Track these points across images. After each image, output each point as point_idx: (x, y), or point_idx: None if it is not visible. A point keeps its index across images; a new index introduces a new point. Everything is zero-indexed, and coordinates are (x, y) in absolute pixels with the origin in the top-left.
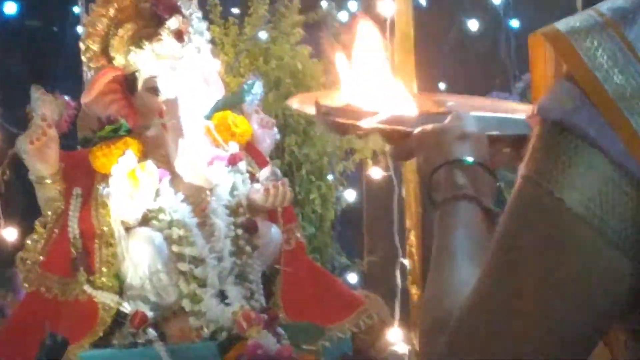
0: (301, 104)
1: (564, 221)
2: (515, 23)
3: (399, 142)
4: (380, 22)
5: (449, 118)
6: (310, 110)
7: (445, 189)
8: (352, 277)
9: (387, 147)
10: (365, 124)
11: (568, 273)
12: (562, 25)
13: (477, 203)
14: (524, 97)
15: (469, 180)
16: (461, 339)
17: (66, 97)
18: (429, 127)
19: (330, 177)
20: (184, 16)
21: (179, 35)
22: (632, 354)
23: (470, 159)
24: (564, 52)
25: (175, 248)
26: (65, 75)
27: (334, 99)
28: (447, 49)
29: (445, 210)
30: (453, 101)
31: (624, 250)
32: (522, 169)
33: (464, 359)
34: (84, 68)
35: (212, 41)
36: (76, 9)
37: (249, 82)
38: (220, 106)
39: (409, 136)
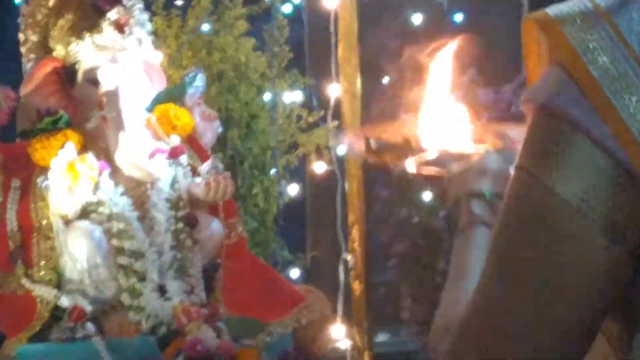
0: (349, 144)
1: (557, 210)
2: (459, 17)
3: (436, 184)
4: (324, 15)
5: (474, 157)
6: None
7: (464, 218)
8: (295, 272)
9: (330, 142)
10: (409, 167)
11: (562, 262)
12: (552, 10)
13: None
14: (468, 91)
15: (486, 210)
16: (462, 339)
17: (5, 88)
18: (455, 168)
19: (273, 171)
20: (125, 7)
21: (119, 26)
22: (626, 345)
23: (487, 192)
24: (553, 36)
25: (114, 242)
26: (5, 66)
27: (383, 132)
28: (391, 43)
29: (462, 236)
30: (514, 131)
31: (615, 239)
32: (516, 159)
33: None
34: (23, 59)
35: (154, 33)
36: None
37: (191, 74)
38: (162, 98)
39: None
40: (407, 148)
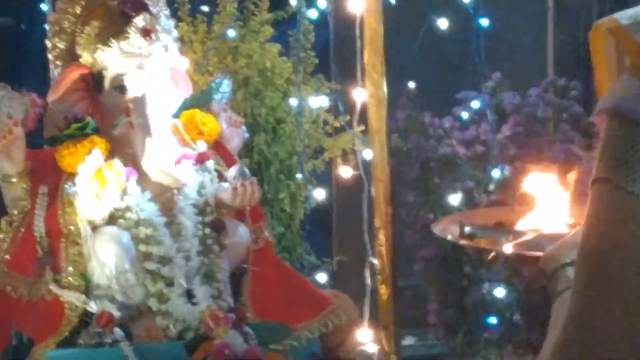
0: (443, 229)
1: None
2: (485, 22)
3: (532, 264)
4: (349, 20)
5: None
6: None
7: (561, 283)
8: (322, 277)
9: (357, 146)
10: (505, 250)
11: None
12: (622, 17)
13: None
14: (493, 96)
15: None
16: (560, 354)
17: (33, 95)
18: (551, 246)
19: (299, 176)
20: (151, 14)
21: (146, 33)
22: None
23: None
24: (624, 43)
25: (142, 247)
26: (32, 73)
27: (476, 218)
28: (417, 48)
29: (560, 299)
30: None
31: None
32: (593, 173)
33: None
34: (51, 66)
35: (181, 39)
36: (44, 6)
37: (217, 80)
38: (188, 105)
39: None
40: (501, 232)
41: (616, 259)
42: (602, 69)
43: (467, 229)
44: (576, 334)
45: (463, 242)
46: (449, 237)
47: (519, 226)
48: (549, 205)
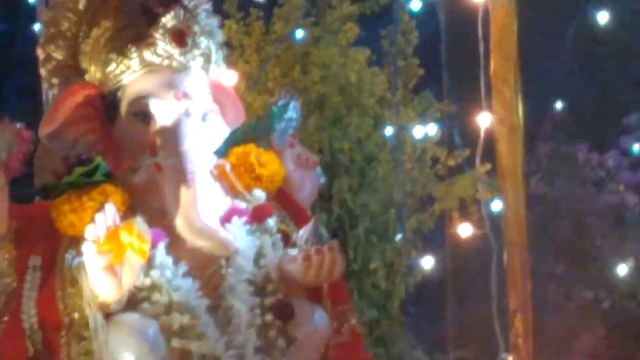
0: None
1: None
2: None
3: None
4: (468, 14)
5: None
6: None
7: None
8: None
9: (480, 193)
10: None
11: None
12: None
13: None
14: None
15: None
16: None
17: (18, 126)
18: None
19: (399, 237)
20: (186, 9)
21: (178, 36)
22: None
23: None
24: None
25: (176, 342)
26: (18, 94)
27: None
28: (565, 52)
29: None
30: None
31: None
32: None
33: None
34: (44, 85)
35: (228, 44)
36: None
37: (281, 102)
38: (240, 137)
39: None
40: None
41: None
42: None
43: None
44: None
45: None
46: None
47: None
48: None
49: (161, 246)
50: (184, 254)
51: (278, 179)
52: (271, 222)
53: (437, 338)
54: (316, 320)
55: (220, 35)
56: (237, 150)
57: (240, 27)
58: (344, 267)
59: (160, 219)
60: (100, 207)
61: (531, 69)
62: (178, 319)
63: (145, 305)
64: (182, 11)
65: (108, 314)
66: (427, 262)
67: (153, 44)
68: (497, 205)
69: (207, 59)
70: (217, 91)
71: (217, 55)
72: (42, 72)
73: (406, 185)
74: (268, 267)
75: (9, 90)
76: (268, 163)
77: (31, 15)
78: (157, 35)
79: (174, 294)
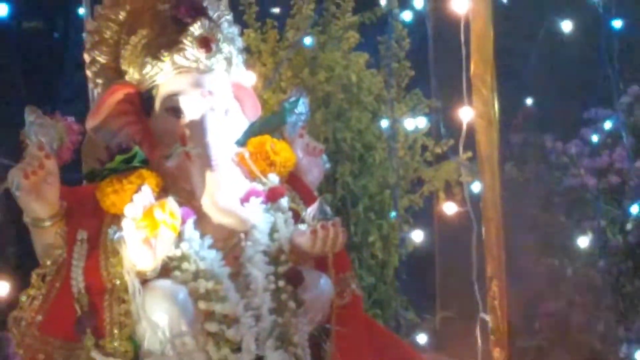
0: None
1: None
2: (618, 24)
3: None
4: (452, 23)
5: None
6: None
7: None
8: (422, 338)
9: (463, 177)
10: None
11: None
12: None
13: None
14: (630, 114)
15: None
16: None
17: (68, 120)
18: None
19: (393, 214)
20: (210, 20)
21: (205, 43)
22: None
23: None
24: None
25: (202, 304)
26: (69, 93)
27: None
28: (534, 56)
29: None
30: None
31: None
32: None
33: None
34: (90, 84)
35: (247, 49)
36: (82, 10)
37: (292, 99)
38: (257, 129)
39: None
40: None
41: None
42: None
43: None
44: None
45: None
46: None
47: None
48: None
49: (190, 222)
50: (209, 229)
51: (289, 165)
52: (284, 201)
53: (425, 301)
54: (322, 285)
55: (240, 42)
56: (255, 140)
57: (258, 35)
58: (345, 240)
59: (189, 199)
60: (138, 189)
61: (505, 70)
62: (204, 285)
63: (176, 272)
64: (207, 21)
65: (144, 280)
66: (417, 236)
67: (183, 49)
68: (476, 187)
69: (229, 62)
70: (238, 90)
71: (237, 59)
72: (88, 73)
73: (399, 170)
74: (281, 240)
75: (61, 89)
76: (281, 151)
77: (80, 25)
78: (186, 42)
79: (201, 263)
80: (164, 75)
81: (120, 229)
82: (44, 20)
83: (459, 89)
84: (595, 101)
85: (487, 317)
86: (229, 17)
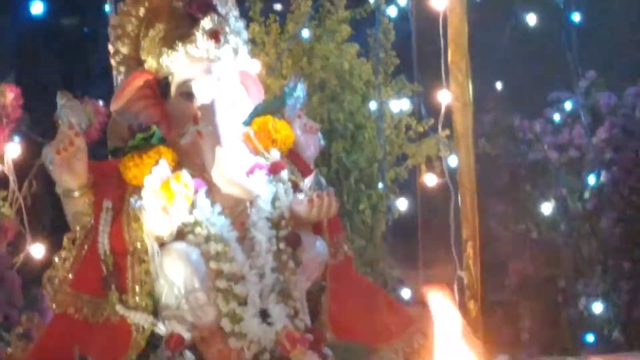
0: None
1: None
2: (576, 17)
3: None
4: (432, 17)
5: None
6: None
7: None
8: (406, 292)
9: (441, 152)
10: None
11: None
12: None
13: None
14: (588, 95)
15: None
16: None
17: (96, 103)
18: None
19: (380, 185)
20: (219, 15)
21: (214, 35)
22: None
23: None
24: None
25: (213, 264)
26: (96, 80)
27: None
28: (504, 46)
29: None
30: None
31: None
32: None
33: None
34: (114, 72)
35: (252, 41)
36: (107, 7)
37: (291, 84)
38: (260, 111)
39: None
40: None
41: None
42: None
43: None
44: None
45: None
46: None
47: None
48: None
49: (201, 192)
50: (218, 198)
51: (289, 142)
52: (284, 174)
53: (410, 260)
54: (318, 247)
55: (245, 34)
56: (258, 120)
57: (262, 28)
58: (338, 207)
59: (201, 172)
60: (156, 163)
61: (478, 59)
62: (214, 247)
63: (190, 236)
64: (216, 16)
65: (162, 243)
66: (402, 204)
67: (195, 41)
68: (453, 161)
69: (236, 52)
70: (243, 76)
71: (243, 49)
72: (112, 62)
73: (386, 146)
74: (282, 208)
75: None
76: (282, 130)
77: (105, 21)
78: (198, 34)
79: (211, 228)
80: (179, 64)
81: (140, 198)
82: (75, 16)
83: (438, 75)
84: (557, 85)
85: (463, 275)
86: (236, 12)
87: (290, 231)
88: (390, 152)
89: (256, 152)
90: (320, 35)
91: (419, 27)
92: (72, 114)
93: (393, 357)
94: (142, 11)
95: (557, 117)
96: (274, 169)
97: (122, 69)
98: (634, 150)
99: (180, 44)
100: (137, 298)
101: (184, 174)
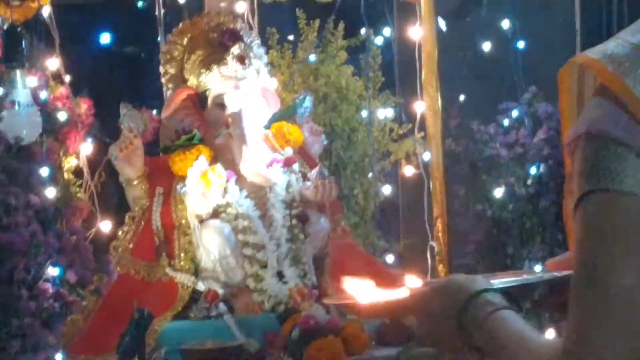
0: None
1: (627, 205)
2: (521, 44)
3: (400, 312)
4: (410, 45)
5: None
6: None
7: (483, 310)
8: (390, 258)
9: (417, 149)
10: (365, 301)
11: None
12: (596, 53)
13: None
14: (530, 105)
15: (501, 298)
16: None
17: (150, 112)
18: (432, 284)
19: (370, 175)
20: (245, 43)
21: (241, 59)
22: None
23: (487, 286)
24: (599, 72)
25: (240, 236)
26: (150, 94)
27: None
28: (465, 67)
29: (492, 321)
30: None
31: None
32: (575, 193)
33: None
34: (164, 88)
35: (270, 63)
36: (159, 38)
37: (301, 97)
38: (277, 118)
39: (406, 303)
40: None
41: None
42: (566, 98)
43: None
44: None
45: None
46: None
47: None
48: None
49: (232, 181)
50: (245, 185)
51: (299, 142)
52: (295, 166)
53: (393, 233)
54: (322, 223)
55: (265, 59)
56: (275, 125)
57: (278, 54)
58: (337, 192)
59: (232, 165)
60: (197, 158)
61: (445, 77)
62: (242, 223)
63: (223, 215)
64: (243, 44)
65: (201, 220)
66: (387, 190)
67: (226, 64)
68: (426, 156)
69: (258, 72)
70: (264, 91)
71: (264, 70)
72: (162, 80)
73: (374, 145)
74: (294, 193)
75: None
76: (294, 132)
77: (157, 48)
78: (229, 58)
79: (239, 208)
80: (214, 82)
81: (185, 185)
82: (134, 45)
83: (414, 89)
84: (506, 97)
85: (434, 244)
86: (258, 41)
87: (300, 210)
88: (378, 149)
89: (274, 149)
90: (323, 59)
91: (400, 53)
92: (131, 120)
93: None
94: (185, 40)
95: (506, 122)
96: (287, 163)
97: (170, 85)
98: None
99: (215, 66)
100: (182, 262)
101: (219, 166)
